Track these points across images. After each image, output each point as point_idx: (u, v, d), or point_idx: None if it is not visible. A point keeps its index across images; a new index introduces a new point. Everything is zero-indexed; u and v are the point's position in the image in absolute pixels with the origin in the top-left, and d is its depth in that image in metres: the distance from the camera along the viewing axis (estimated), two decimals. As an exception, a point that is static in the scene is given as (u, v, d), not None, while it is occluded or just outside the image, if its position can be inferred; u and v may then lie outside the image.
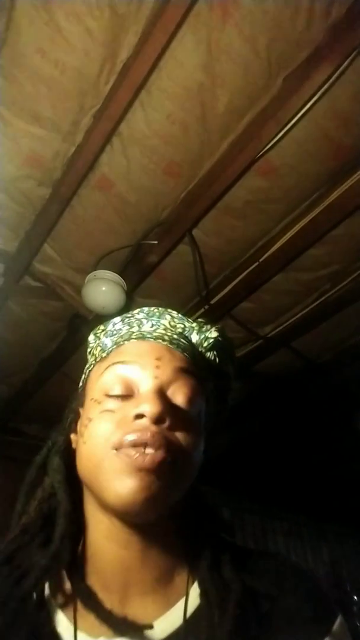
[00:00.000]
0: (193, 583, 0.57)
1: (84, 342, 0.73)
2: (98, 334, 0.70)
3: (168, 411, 0.54)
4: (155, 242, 1.86)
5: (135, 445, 0.51)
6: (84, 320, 2.18)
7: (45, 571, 0.54)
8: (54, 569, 0.56)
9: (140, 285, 2.04)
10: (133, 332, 0.64)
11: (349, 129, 1.48)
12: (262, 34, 1.27)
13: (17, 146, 1.54)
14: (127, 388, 0.57)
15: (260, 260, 1.92)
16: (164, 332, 0.64)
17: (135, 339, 0.62)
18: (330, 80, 1.34)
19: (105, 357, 0.63)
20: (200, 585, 0.56)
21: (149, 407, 0.53)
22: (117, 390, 0.57)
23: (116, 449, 0.52)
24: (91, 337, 0.71)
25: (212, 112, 1.45)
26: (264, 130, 1.45)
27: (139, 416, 0.53)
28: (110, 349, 0.63)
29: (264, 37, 1.28)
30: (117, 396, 0.57)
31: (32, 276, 2.05)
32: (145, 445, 0.51)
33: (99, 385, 0.59)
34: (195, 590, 0.56)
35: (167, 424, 0.54)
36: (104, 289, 1.92)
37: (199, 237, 1.85)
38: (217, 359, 0.68)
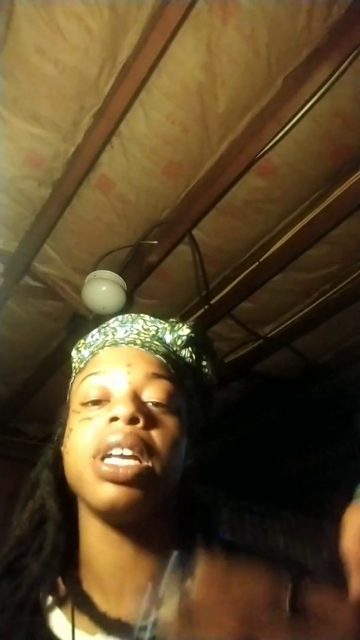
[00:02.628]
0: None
1: None
2: (79, 348, 0.71)
3: (142, 411, 0.55)
4: (155, 242, 1.86)
5: (110, 447, 0.53)
6: (84, 320, 2.17)
7: (37, 580, 0.57)
8: (47, 576, 0.57)
9: (140, 285, 2.04)
10: (107, 340, 0.66)
11: (349, 129, 1.48)
12: (262, 34, 1.27)
13: (17, 146, 1.54)
14: (101, 395, 0.59)
15: (260, 260, 1.92)
16: (136, 336, 0.65)
17: (108, 346, 0.64)
18: (330, 80, 1.33)
19: (82, 368, 0.65)
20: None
21: (121, 408, 0.55)
22: (92, 397, 0.59)
23: (93, 457, 0.54)
24: (74, 352, 0.72)
25: (212, 112, 1.45)
26: (264, 130, 1.45)
27: (113, 419, 0.55)
28: (87, 360, 0.65)
29: (264, 37, 1.28)
30: (93, 403, 0.58)
31: (32, 276, 2.05)
32: (120, 446, 0.52)
33: (77, 396, 0.61)
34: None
35: (141, 424, 0.55)
36: (104, 289, 1.92)
37: (199, 237, 1.85)
38: (193, 355, 0.69)
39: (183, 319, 2.21)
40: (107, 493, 0.52)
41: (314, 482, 3.69)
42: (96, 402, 0.58)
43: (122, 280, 1.96)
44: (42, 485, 0.64)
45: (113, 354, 0.63)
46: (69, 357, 0.73)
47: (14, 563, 0.61)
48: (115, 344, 0.64)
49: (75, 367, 0.70)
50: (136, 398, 0.57)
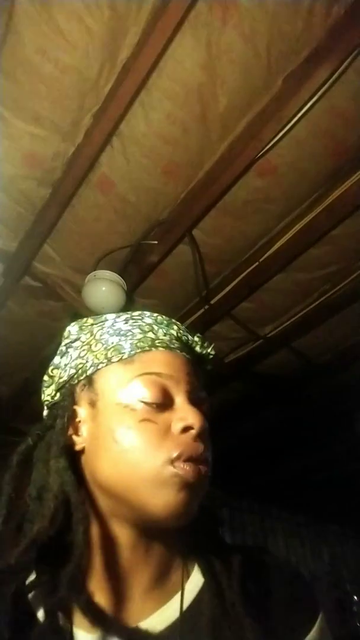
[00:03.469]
0: (188, 577, 0.59)
1: None
2: (85, 327, 0.67)
3: (207, 424, 0.58)
4: (155, 242, 1.86)
5: (189, 460, 0.54)
6: (84, 320, 2.17)
7: (72, 580, 0.52)
8: (78, 576, 0.54)
9: (140, 285, 2.04)
10: (154, 339, 0.63)
11: (349, 129, 1.48)
12: (262, 34, 1.27)
13: (17, 146, 1.54)
14: (164, 398, 0.58)
15: (260, 260, 1.92)
16: (178, 343, 0.65)
17: (161, 347, 0.62)
18: (331, 80, 1.34)
19: (128, 360, 0.61)
20: (201, 565, 0.59)
21: (196, 420, 0.56)
22: (155, 399, 0.57)
23: (171, 462, 0.54)
24: (74, 329, 0.67)
25: (212, 112, 1.45)
26: (264, 130, 1.45)
27: (187, 429, 0.56)
28: (132, 353, 0.61)
29: (264, 37, 1.28)
30: (154, 405, 0.57)
31: (32, 276, 2.05)
32: (196, 460, 0.54)
33: (131, 392, 0.58)
34: (193, 578, 0.59)
35: (205, 436, 0.57)
36: (104, 289, 1.92)
37: (199, 237, 1.85)
38: (207, 374, 0.71)
39: (183, 319, 2.22)
40: (180, 495, 0.53)
41: (314, 482, 3.69)
42: (158, 405, 0.57)
43: (122, 280, 1.96)
44: (58, 475, 0.57)
45: (172, 359, 0.62)
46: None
47: (29, 564, 0.56)
48: (167, 347, 0.63)
49: (94, 350, 0.63)
50: (200, 410, 0.58)
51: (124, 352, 0.61)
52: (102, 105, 1.43)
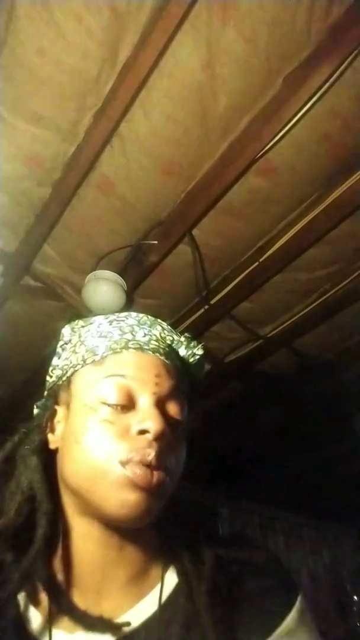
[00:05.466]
0: (167, 570, 0.60)
1: None
2: (76, 329, 0.68)
3: (167, 429, 0.56)
4: (155, 242, 1.86)
5: (142, 463, 0.54)
6: (84, 320, 2.17)
7: (24, 576, 0.55)
8: (35, 572, 0.56)
9: (140, 285, 2.04)
10: (129, 341, 0.63)
11: (349, 129, 1.48)
12: (262, 34, 1.27)
13: (17, 146, 1.54)
14: (126, 400, 0.58)
15: (260, 260, 1.92)
16: (157, 344, 0.64)
17: (133, 348, 0.62)
18: (331, 80, 1.33)
19: (99, 361, 0.61)
20: (176, 565, 0.59)
21: (153, 424, 0.55)
22: (117, 401, 0.58)
23: (122, 463, 0.54)
24: (67, 331, 0.69)
25: (212, 112, 1.45)
26: (264, 130, 1.45)
27: (143, 432, 0.55)
28: (104, 354, 0.62)
29: (264, 37, 1.28)
30: (116, 407, 0.57)
31: (32, 276, 2.05)
32: (150, 464, 0.54)
33: (96, 393, 0.59)
34: (169, 578, 0.59)
35: (165, 441, 0.56)
36: (104, 289, 1.92)
37: (199, 237, 1.85)
38: (196, 375, 0.70)
39: (183, 319, 2.22)
40: (129, 501, 0.53)
41: (314, 482, 3.69)
42: (120, 407, 0.57)
43: (122, 280, 1.96)
44: (29, 472, 0.61)
45: (141, 360, 0.61)
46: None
47: None
48: (140, 348, 0.62)
49: (77, 351, 0.65)
50: (163, 413, 0.58)
51: (97, 354, 0.62)
52: (102, 105, 1.43)
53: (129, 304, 2.04)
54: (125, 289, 1.97)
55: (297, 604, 0.57)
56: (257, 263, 1.93)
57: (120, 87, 1.36)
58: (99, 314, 0.70)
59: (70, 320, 0.72)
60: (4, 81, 1.38)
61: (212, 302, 2.12)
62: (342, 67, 1.31)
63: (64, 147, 1.56)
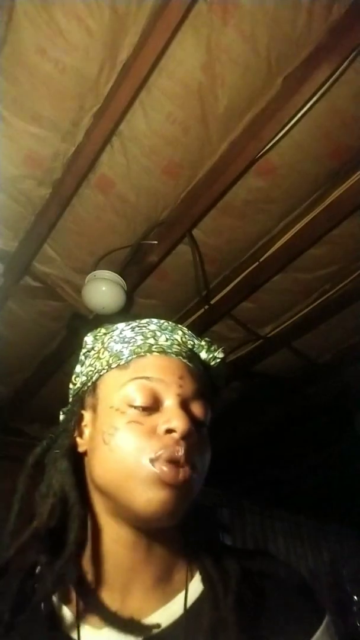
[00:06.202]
0: (192, 578, 0.60)
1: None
2: (99, 337, 0.71)
3: (192, 427, 0.58)
4: (155, 242, 1.86)
5: (170, 460, 0.55)
6: (84, 320, 2.17)
7: (59, 578, 0.56)
8: (69, 574, 0.57)
9: (140, 285, 2.04)
10: (152, 345, 0.65)
11: (349, 129, 1.48)
12: (262, 34, 1.27)
13: (17, 146, 1.54)
14: (152, 402, 0.60)
15: (260, 260, 1.92)
16: (179, 348, 0.66)
17: (156, 352, 0.64)
18: (331, 80, 1.34)
19: (124, 365, 0.64)
20: (201, 573, 0.60)
21: (180, 423, 0.57)
22: (143, 402, 0.59)
23: (151, 461, 0.55)
24: (89, 339, 0.72)
25: (212, 112, 1.45)
26: (264, 130, 1.45)
27: (170, 431, 0.57)
28: (129, 358, 0.64)
29: (264, 37, 1.28)
30: (142, 408, 0.59)
31: (32, 276, 2.05)
32: (177, 461, 0.55)
33: (122, 396, 0.61)
34: (194, 585, 0.60)
35: (192, 440, 0.57)
36: (104, 289, 1.92)
37: (199, 237, 1.85)
38: (217, 378, 0.71)
39: (183, 319, 2.22)
40: (159, 499, 0.54)
41: (314, 482, 3.69)
42: (146, 408, 0.59)
43: (122, 280, 1.96)
44: (60, 475, 0.62)
45: (165, 363, 0.63)
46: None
47: (27, 557, 0.60)
48: (163, 351, 0.64)
49: (101, 357, 0.67)
50: (189, 413, 0.59)
51: (122, 359, 0.64)
52: (102, 105, 1.43)
53: (129, 304, 2.04)
54: (125, 289, 1.97)
55: (325, 622, 0.58)
56: (257, 263, 1.93)
57: (120, 87, 1.36)
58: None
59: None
60: (4, 81, 1.38)
61: (212, 302, 2.12)
62: (342, 67, 1.31)
63: (64, 147, 1.56)
